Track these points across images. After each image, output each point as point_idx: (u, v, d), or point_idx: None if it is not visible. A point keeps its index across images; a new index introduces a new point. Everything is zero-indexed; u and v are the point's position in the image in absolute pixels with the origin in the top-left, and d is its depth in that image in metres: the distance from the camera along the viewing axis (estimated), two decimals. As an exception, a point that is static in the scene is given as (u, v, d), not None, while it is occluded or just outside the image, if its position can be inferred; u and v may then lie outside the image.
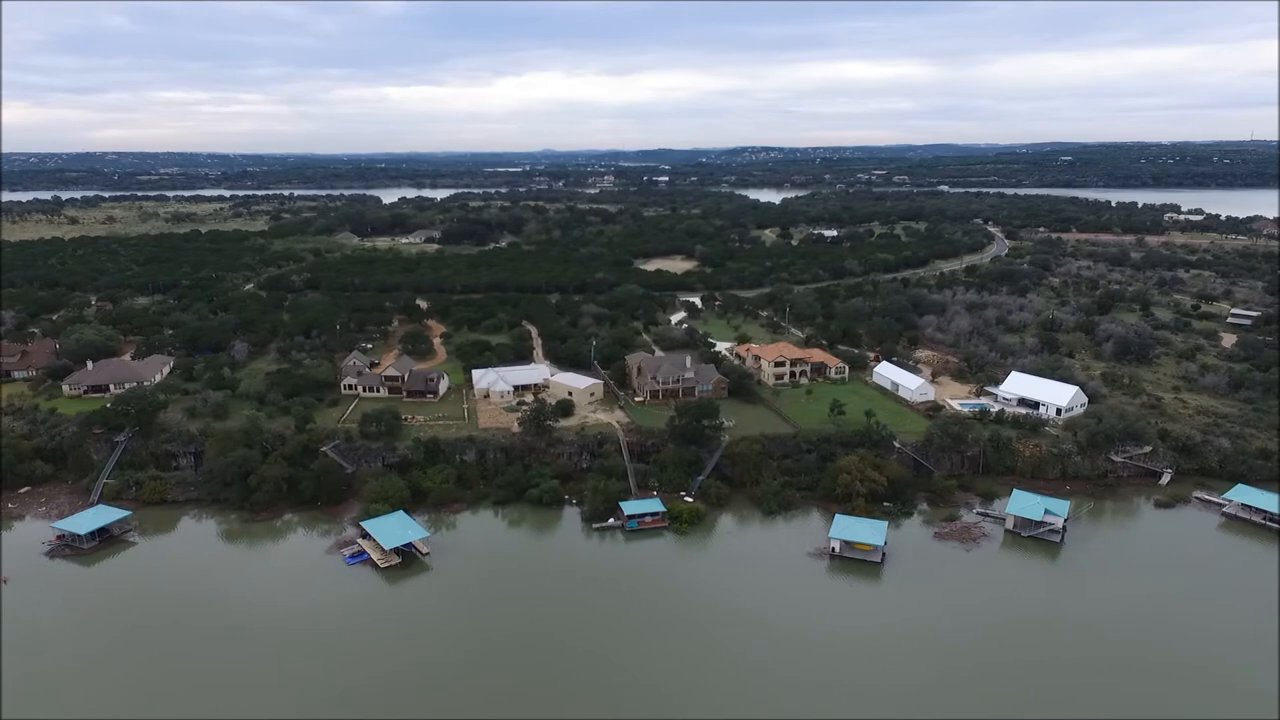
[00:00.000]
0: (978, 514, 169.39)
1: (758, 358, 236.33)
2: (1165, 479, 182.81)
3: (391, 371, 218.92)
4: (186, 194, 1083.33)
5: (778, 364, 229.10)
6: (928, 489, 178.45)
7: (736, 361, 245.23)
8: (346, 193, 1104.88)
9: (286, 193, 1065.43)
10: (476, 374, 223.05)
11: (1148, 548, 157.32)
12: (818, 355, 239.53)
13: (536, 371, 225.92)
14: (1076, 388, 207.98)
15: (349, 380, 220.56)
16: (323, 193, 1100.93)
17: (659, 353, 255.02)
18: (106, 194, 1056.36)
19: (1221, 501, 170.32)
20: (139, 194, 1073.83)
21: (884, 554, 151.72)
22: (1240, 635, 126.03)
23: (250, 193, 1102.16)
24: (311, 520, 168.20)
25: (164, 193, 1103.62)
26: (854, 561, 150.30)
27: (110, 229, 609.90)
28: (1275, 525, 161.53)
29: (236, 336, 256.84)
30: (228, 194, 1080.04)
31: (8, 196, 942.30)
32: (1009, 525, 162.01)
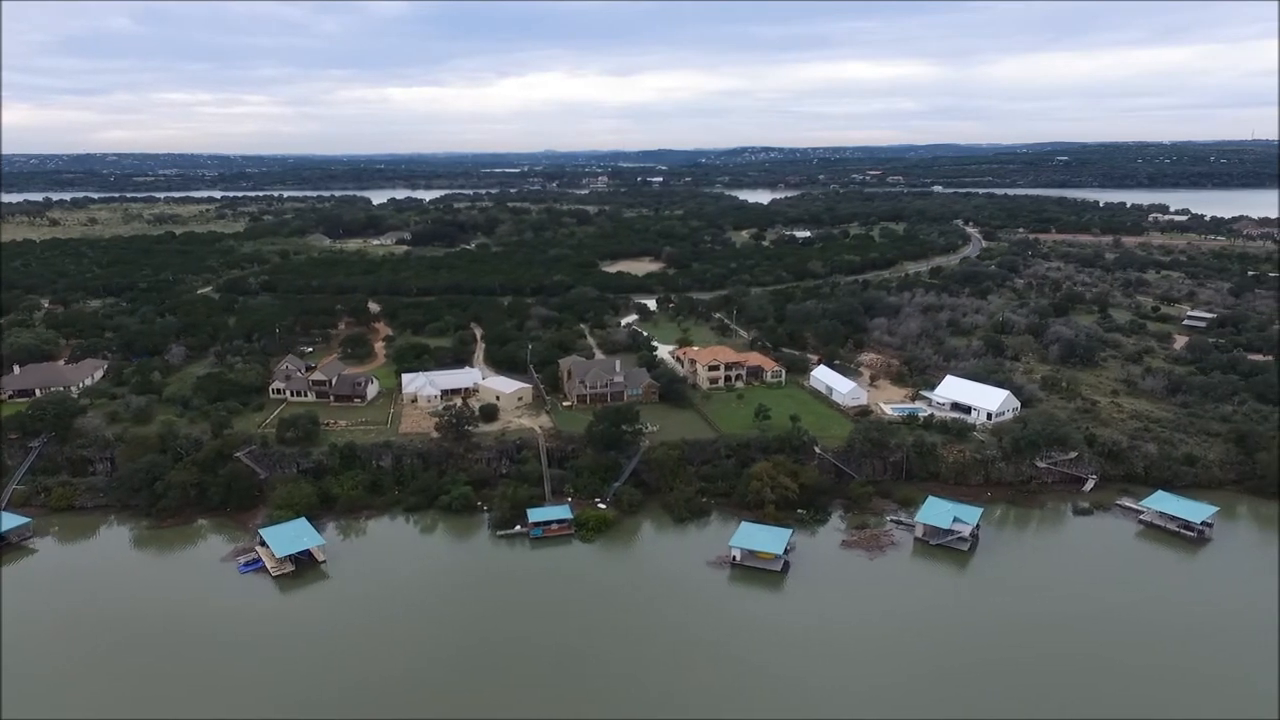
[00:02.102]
0: (891, 521, 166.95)
1: (693, 361, 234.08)
2: (1089, 485, 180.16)
3: (318, 376, 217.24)
4: (177, 195, 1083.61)
5: (711, 367, 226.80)
6: (845, 496, 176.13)
7: (677, 364, 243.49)
8: (338, 193, 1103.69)
9: (276, 194, 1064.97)
10: (406, 378, 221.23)
11: (1056, 556, 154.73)
12: (755, 359, 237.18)
13: (467, 375, 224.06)
14: (1007, 392, 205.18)
15: (277, 385, 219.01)
16: (314, 194, 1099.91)
17: (599, 355, 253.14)
18: (96, 195, 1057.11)
19: (1140, 509, 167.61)
20: (129, 195, 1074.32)
21: (786, 563, 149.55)
22: (1135, 646, 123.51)
23: (242, 194, 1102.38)
24: (220, 527, 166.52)
25: (154, 194, 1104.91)
26: (755, 571, 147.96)
27: (88, 231, 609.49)
28: (1190, 534, 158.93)
29: (175, 340, 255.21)
30: (219, 195, 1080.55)
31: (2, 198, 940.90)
32: (918, 533, 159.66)
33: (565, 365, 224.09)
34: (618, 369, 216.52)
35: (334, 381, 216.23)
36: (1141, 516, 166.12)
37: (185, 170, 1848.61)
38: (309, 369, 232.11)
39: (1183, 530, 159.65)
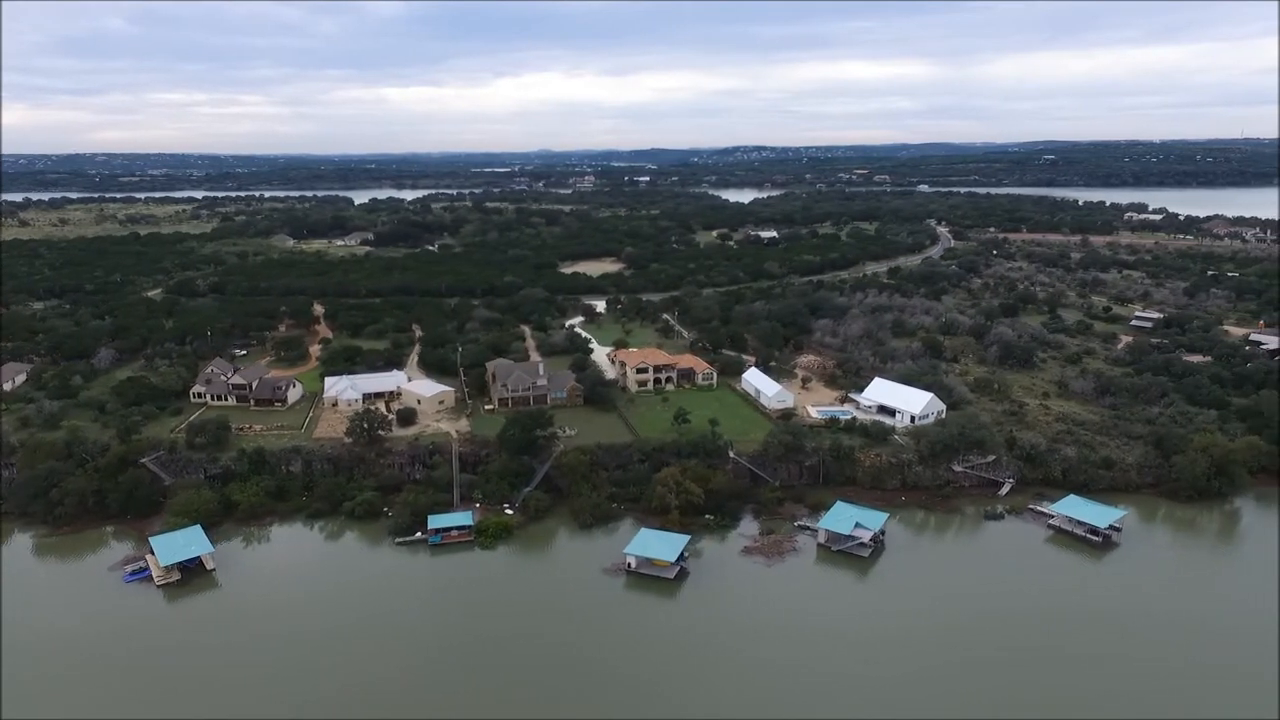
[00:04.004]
0: (798, 527, 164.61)
1: (623, 363, 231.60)
2: (1005, 489, 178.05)
3: (238, 379, 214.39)
4: (158, 195, 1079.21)
5: (640, 370, 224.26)
6: (757, 500, 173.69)
7: (613, 367, 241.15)
8: (321, 193, 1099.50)
9: (258, 194, 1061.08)
10: (328, 381, 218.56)
11: (956, 562, 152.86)
12: (687, 361, 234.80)
13: (390, 379, 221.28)
14: (931, 395, 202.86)
15: (198, 388, 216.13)
16: (297, 193, 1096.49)
17: (535, 357, 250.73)
18: (74, 195, 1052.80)
19: (1050, 513, 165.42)
20: (108, 196, 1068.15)
21: (682, 570, 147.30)
22: (1012, 654, 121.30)
23: (224, 194, 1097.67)
24: (119, 535, 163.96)
25: (134, 194, 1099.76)
26: (649, 578, 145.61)
27: (54, 232, 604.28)
28: (1095, 539, 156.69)
29: (107, 343, 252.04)
30: (200, 195, 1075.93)
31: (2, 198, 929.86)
32: (821, 539, 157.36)
33: (491, 368, 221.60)
34: (541, 371, 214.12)
35: (254, 385, 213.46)
36: (1051, 521, 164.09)
37: (174, 170, 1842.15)
38: (236, 372, 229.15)
39: (1089, 536, 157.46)
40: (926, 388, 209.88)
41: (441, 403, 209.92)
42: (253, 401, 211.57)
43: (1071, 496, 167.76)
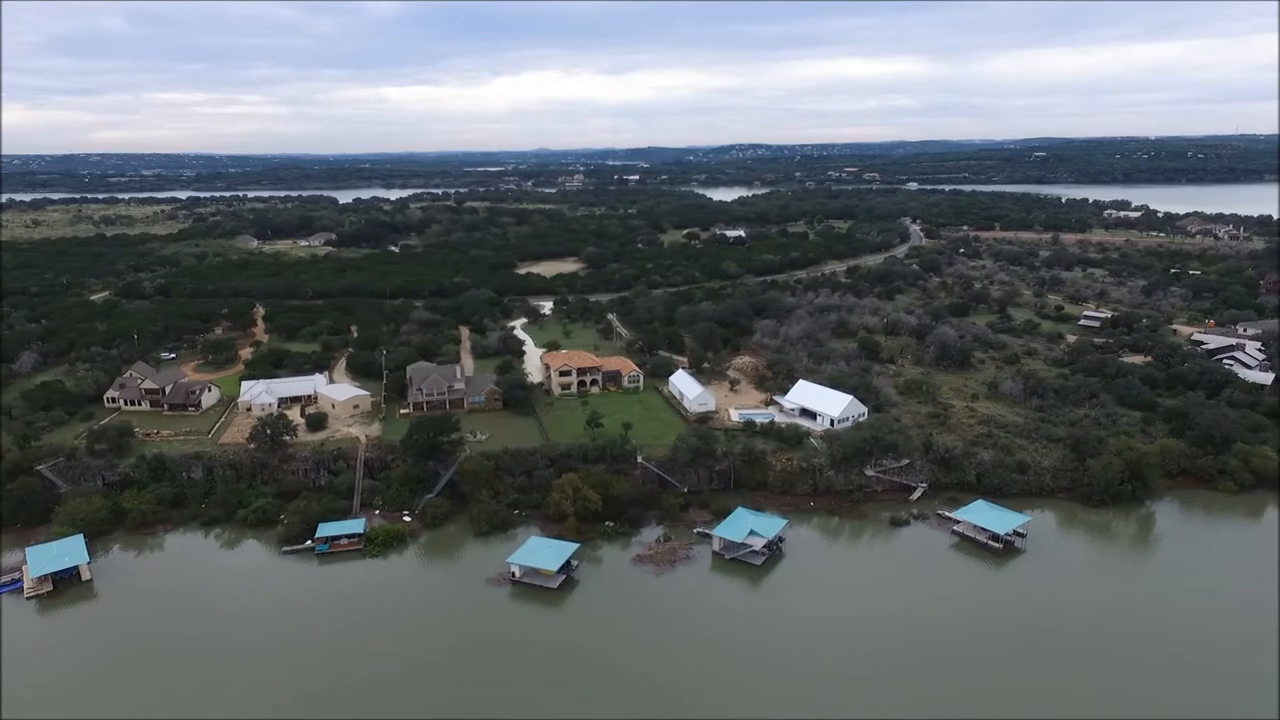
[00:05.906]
0: (698, 534, 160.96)
1: (548, 366, 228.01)
2: (917, 494, 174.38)
3: (150, 384, 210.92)
4: (142, 196, 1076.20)
5: (562, 373, 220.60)
6: (661, 507, 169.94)
7: (544, 369, 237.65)
8: (307, 194, 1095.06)
9: (243, 194, 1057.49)
10: (245, 385, 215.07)
11: (850, 571, 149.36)
12: (613, 363, 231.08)
13: (307, 383, 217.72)
14: (850, 398, 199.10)
15: (111, 394, 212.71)
16: (283, 194, 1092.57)
17: (468, 360, 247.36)
18: (55, 196, 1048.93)
19: (956, 519, 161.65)
20: (89, 196, 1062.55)
21: (569, 579, 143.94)
22: (876, 668, 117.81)
23: (209, 195, 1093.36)
24: (11, 544, 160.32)
25: (118, 195, 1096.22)
26: (533, 588, 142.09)
27: (22, 233, 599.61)
28: (996, 545, 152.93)
29: (31, 347, 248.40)
30: (183, 196, 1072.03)
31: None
32: (716, 547, 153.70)
33: (410, 371, 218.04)
34: (459, 375, 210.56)
35: (168, 390, 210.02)
36: (956, 527, 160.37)
37: (167, 171, 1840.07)
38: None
39: (991, 542, 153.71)
40: (854, 390, 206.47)
41: (356, 407, 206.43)
42: (166, 406, 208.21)
43: (979, 502, 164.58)
